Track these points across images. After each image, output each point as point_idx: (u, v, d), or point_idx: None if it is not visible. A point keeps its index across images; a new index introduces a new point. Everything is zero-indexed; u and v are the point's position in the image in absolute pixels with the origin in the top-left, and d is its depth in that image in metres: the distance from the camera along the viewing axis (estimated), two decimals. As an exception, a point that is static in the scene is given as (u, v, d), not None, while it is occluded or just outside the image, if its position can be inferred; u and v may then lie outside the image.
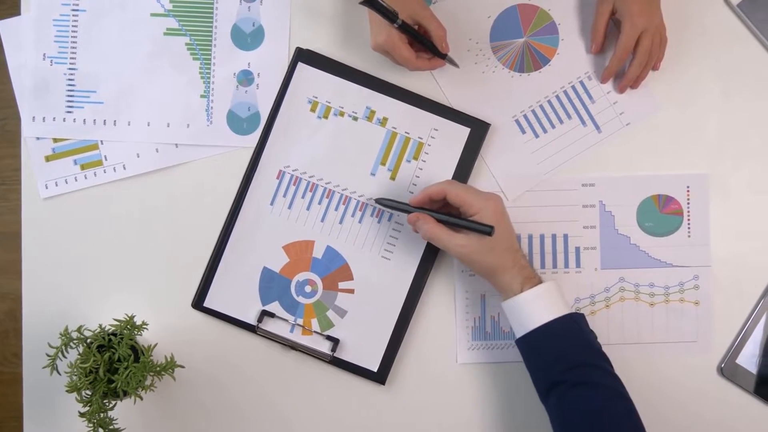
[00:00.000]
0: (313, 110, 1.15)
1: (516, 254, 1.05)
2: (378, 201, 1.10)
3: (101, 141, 1.14)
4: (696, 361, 1.16)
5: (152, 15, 1.15)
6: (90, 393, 1.03)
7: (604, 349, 1.04)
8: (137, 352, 1.05)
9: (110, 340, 1.05)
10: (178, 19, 1.15)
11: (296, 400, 1.14)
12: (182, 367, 1.08)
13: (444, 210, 1.08)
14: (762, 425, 1.16)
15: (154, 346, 1.06)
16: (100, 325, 1.06)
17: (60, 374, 1.03)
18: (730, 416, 1.16)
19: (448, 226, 1.05)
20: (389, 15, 1.06)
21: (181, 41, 1.15)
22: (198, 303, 1.14)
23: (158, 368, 1.05)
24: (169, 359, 1.06)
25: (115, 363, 1.04)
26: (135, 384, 1.02)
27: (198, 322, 1.14)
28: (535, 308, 1.02)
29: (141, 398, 1.04)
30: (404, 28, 1.07)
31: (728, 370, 1.16)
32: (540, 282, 1.03)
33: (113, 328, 1.06)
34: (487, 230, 1.02)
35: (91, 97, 1.14)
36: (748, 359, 1.15)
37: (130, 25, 1.15)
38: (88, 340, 1.05)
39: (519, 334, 1.03)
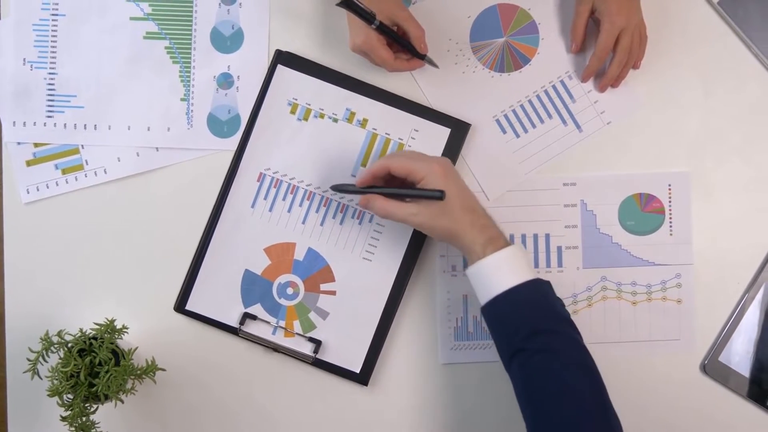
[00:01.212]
0: (293, 112, 1.15)
1: (474, 214, 1.03)
2: (332, 188, 1.10)
3: (82, 145, 1.14)
4: (679, 359, 1.17)
5: (131, 19, 1.15)
6: (71, 397, 1.03)
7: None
8: (118, 356, 1.05)
9: (91, 344, 1.05)
10: (158, 23, 1.15)
11: (279, 403, 1.15)
12: (163, 370, 1.09)
13: (394, 184, 1.06)
14: (744, 422, 1.16)
15: (134, 349, 1.06)
16: (81, 329, 1.06)
17: (42, 378, 1.04)
18: (712, 414, 1.16)
19: (399, 198, 1.04)
20: (367, 16, 1.06)
21: (161, 45, 1.15)
22: (180, 306, 1.14)
23: (139, 371, 1.06)
24: (150, 362, 1.06)
25: (96, 367, 1.04)
26: (116, 387, 1.03)
27: (180, 325, 1.14)
28: (498, 274, 0.99)
29: (122, 401, 1.04)
30: (382, 29, 1.08)
31: (711, 368, 1.16)
32: (506, 244, 1.01)
33: (94, 332, 1.06)
34: (437, 195, 1.00)
35: (72, 101, 1.14)
36: (731, 357, 1.15)
37: (109, 29, 1.15)
38: (69, 345, 1.05)
39: (483, 301, 1.01)
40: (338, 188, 1.10)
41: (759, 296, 1.16)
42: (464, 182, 1.06)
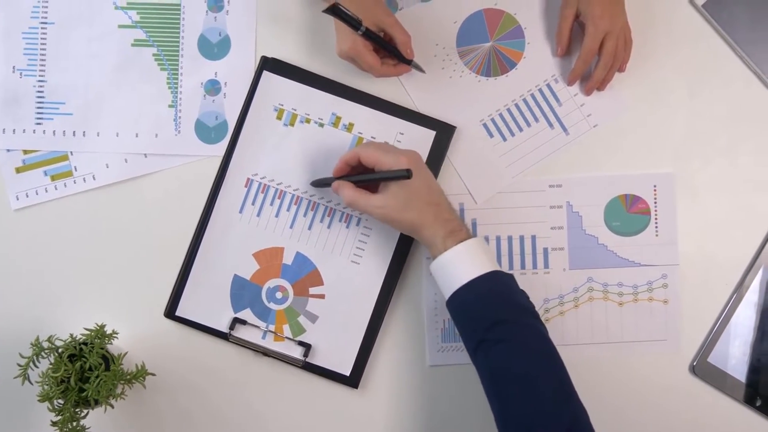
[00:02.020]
0: (279, 118, 1.15)
1: (438, 208, 1.04)
2: (312, 183, 1.13)
3: (71, 152, 1.15)
4: (668, 360, 1.17)
5: (120, 26, 1.16)
6: (62, 402, 1.04)
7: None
8: (109, 361, 1.06)
9: (81, 349, 1.05)
10: (146, 31, 1.16)
11: (269, 407, 1.15)
12: (153, 374, 1.09)
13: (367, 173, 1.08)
14: (733, 423, 1.17)
15: (124, 354, 1.07)
16: (72, 335, 1.07)
17: (32, 384, 1.04)
18: (701, 414, 1.17)
19: (369, 185, 1.06)
20: (353, 23, 1.07)
21: (149, 52, 1.16)
22: (170, 312, 1.14)
23: (129, 376, 1.06)
24: (140, 367, 1.07)
25: (86, 372, 1.05)
26: (106, 392, 1.03)
27: (171, 330, 1.15)
28: (459, 266, 1.01)
29: (112, 406, 1.05)
30: (368, 35, 1.09)
31: (700, 369, 1.16)
32: (467, 236, 1.02)
33: (84, 338, 1.06)
34: (402, 174, 1.01)
35: (61, 108, 1.15)
36: (720, 358, 1.16)
37: (98, 36, 1.16)
38: (60, 350, 1.06)
39: (446, 295, 1.02)
40: (317, 183, 1.12)
41: (747, 297, 1.16)
42: (431, 176, 1.07)
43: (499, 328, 0.98)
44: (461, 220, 1.06)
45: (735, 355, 1.16)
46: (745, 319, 1.16)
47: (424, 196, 1.04)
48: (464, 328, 1.02)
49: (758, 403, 1.15)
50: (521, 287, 1.04)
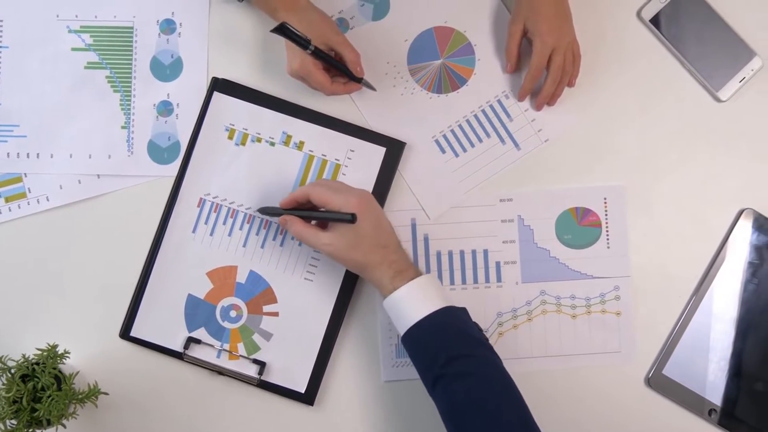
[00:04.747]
0: (230, 138, 1.17)
1: (385, 250, 1.05)
2: (259, 210, 1.13)
3: (25, 174, 1.16)
4: (623, 373, 1.17)
5: (73, 49, 1.17)
6: (14, 423, 1.04)
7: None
8: (61, 381, 1.06)
9: (34, 369, 1.06)
10: (99, 53, 1.17)
11: (225, 425, 1.15)
12: (106, 393, 1.09)
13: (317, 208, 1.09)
14: (688, 434, 1.17)
15: (75, 374, 1.07)
16: (24, 355, 1.07)
17: (-15, 405, 1.04)
18: (657, 427, 1.17)
19: (320, 223, 1.07)
20: (301, 42, 1.08)
21: (102, 74, 1.17)
22: (125, 332, 1.15)
23: (81, 396, 1.06)
24: (92, 387, 1.07)
25: (39, 392, 1.05)
26: (57, 412, 1.03)
27: (126, 350, 1.15)
28: (409, 305, 1.02)
29: (64, 426, 1.05)
30: (318, 54, 1.10)
31: (655, 381, 1.16)
32: (416, 275, 1.03)
33: (36, 358, 1.07)
34: (347, 218, 1.02)
35: (15, 131, 1.16)
36: (675, 370, 1.16)
37: (51, 59, 1.17)
38: (12, 370, 1.06)
39: (400, 333, 1.03)
40: (264, 211, 1.13)
41: (701, 308, 1.17)
42: (381, 216, 1.08)
43: (456, 362, 0.99)
44: (409, 260, 1.07)
45: (690, 366, 1.16)
46: (700, 331, 1.16)
47: (371, 239, 1.05)
48: (420, 364, 1.03)
49: (713, 416, 1.15)
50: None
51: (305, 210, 1.09)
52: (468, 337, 1.02)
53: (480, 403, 0.97)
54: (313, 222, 1.09)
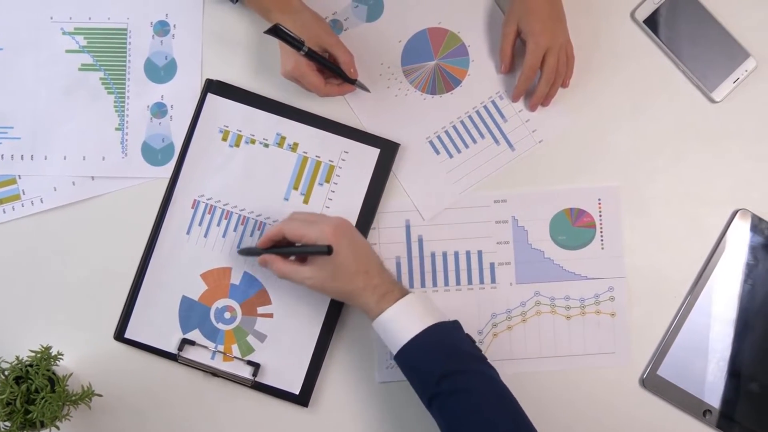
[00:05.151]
0: (224, 139, 1.17)
1: (367, 275, 1.05)
2: (239, 251, 1.14)
3: (19, 176, 1.16)
4: (617, 374, 1.17)
5: (67, 51, 1.17)
6: (8, 424, 1.04)
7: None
8: (55, 383, 1.06)
9: (27, 371, 1.06)
10: (93, 55, 1.17)
11: (220, 427, 1.15)
12: (100, 395, 1.09)
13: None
14: (683, 435, 1.17)
15: (69, 375, 1.07)
16: (18, 357, 1.07)
17: (-22, 407, 1.04)
18: (652, 428, 1.17)
19: (300, 258, 1.08)
20: (295, 43, 1.08)
21: (96, 76, 1.17)
22: (119, 334, 1.15)
23: (74, 397, 1.06)
24: (86, 388, 1.07)
25: (32, 394, 1.05)
26: (51, 414, 1.03)
27: (120, 352, 1.15)
28: (398, 325, 1.02)
29: (58, 428, 1.05)
30: (311, 55, 1.10)
31: (650, 382, 1.16)
32: (401, 295, 1.03)
33: (30, 360, 1.07)
34: (323, 250, 1.01)
35: (9, 133, 1.16)
36: (670, 371, 1.16)
37: (45, 61, 1.17)
38: (6, 372, 1.06)
39: (393, 352, 1.03)
40: (244, 251, 1.13)
41: (696, 309, 1.17)
42: (360, 241, 1.08)
43: (450, 379, 0.99)
44: (394, 280, 1.06)
45: (685, 367, 1.16)
46: (695, 332, 1.16)
47: (351, 266, 1.04)
48: (415, 383, 1.03)
49: (708, 416, 1.15)
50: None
51: (283, 247, 1.09)
52: (459, 352, 1.02)
53: (477, 418, 0.97)
54: (292, 258, 1.09)
